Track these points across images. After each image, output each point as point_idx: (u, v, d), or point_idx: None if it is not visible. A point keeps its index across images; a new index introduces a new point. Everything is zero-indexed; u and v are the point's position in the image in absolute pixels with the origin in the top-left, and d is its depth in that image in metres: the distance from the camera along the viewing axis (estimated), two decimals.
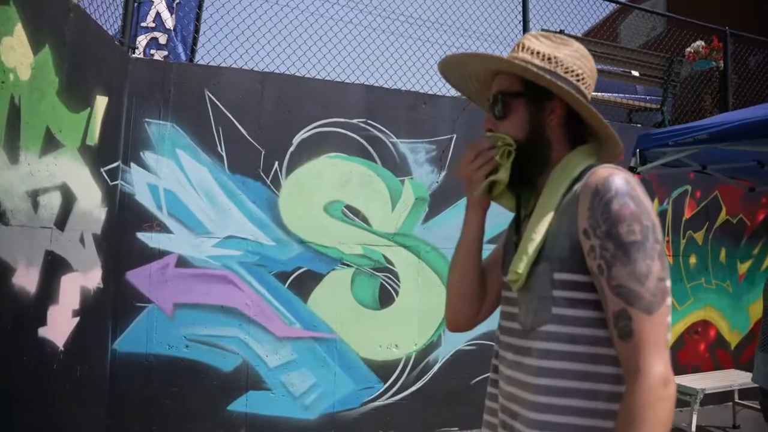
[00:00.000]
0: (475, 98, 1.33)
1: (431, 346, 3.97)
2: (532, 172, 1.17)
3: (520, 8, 4.90)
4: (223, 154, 3.62)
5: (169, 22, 4.36)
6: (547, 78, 1.10)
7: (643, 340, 0.93)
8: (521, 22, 4.88)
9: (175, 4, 4.40)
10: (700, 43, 6.00)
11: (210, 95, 3.63)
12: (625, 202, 0.98)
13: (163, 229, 3.47)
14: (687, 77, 5.74)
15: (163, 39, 4.35)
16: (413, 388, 3.90)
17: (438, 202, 4.03)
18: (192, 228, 3.53)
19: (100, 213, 3.11)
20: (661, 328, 0.94)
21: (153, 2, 4.35)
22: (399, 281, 3.92)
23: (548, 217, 1.08)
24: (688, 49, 6.00)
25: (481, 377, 3.99)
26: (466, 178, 1.19)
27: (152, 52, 4.30)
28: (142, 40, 4.23)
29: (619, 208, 0.98)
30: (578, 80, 1.15)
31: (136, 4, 3.81)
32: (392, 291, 3.91)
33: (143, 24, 4.30)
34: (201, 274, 3.52)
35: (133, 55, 3.68)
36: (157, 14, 4.36)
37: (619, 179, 1.01)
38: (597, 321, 1.02)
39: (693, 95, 5.74)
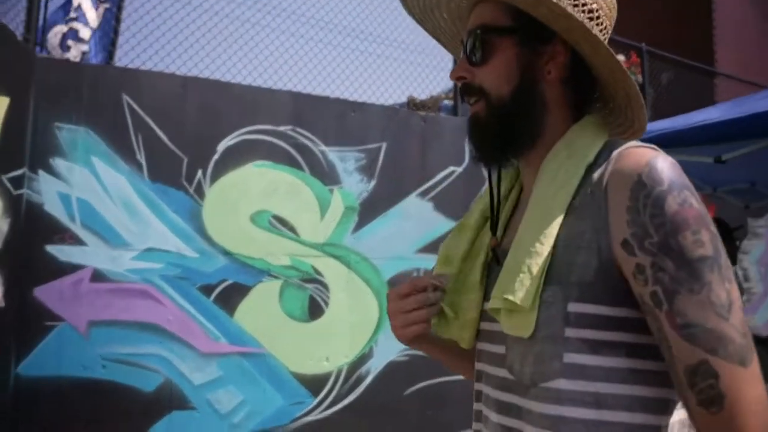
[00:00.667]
0: (443, 37, 1.01)
1: (363, 358, 3.90)
2: (516, 143, 0.85)
3: None
4: (143, 161, 3.44)
5: (91, 14, 4.07)
6: (554, 1, 0.76)
7: (745, 409, 0.62)
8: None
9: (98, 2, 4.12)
10: (620, 57, 6.27)
11: (128, 99, 3.44)
12: (685, 198, 0.68)
13: (77, 241, 3.25)
14: None
15: (84, 33, 4.05)
16: (346, 402, 3.82)
17: (368, 211, 3.98)
18: (109, 240, 3.32)
19: (2, 224, 2.87)
20: (760, 385, 0.64)
21: None
22: (329, 292, 3.84)
23: (557, 219, 0.75)
24: None
25: (414, 388, 3.95)
26: (393, 328, 0.90)
27: (69, 44, 3.98)
28: (57, 33, 3.92)
29: (678, 209, 0.67)
30: (591, 18, 0.81)
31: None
32: (322, 302, 3.82)
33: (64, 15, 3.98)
34: (119, 288, 3.31)
35: (41, 54, 3.45)
36: (79, 6, 4.07)
37: (666, 164, 0.70)
38: (631, 373, 0.71)
39: None
